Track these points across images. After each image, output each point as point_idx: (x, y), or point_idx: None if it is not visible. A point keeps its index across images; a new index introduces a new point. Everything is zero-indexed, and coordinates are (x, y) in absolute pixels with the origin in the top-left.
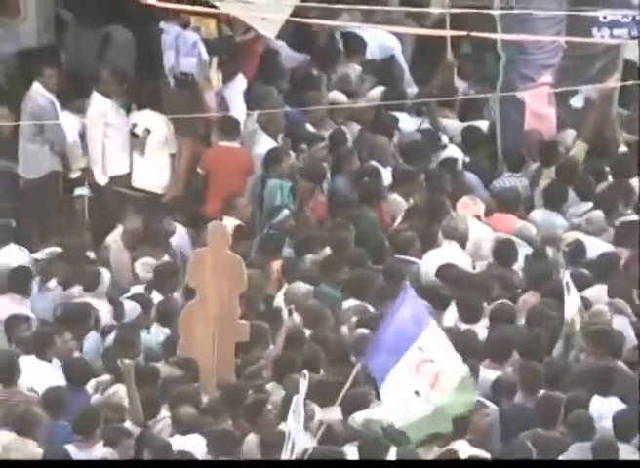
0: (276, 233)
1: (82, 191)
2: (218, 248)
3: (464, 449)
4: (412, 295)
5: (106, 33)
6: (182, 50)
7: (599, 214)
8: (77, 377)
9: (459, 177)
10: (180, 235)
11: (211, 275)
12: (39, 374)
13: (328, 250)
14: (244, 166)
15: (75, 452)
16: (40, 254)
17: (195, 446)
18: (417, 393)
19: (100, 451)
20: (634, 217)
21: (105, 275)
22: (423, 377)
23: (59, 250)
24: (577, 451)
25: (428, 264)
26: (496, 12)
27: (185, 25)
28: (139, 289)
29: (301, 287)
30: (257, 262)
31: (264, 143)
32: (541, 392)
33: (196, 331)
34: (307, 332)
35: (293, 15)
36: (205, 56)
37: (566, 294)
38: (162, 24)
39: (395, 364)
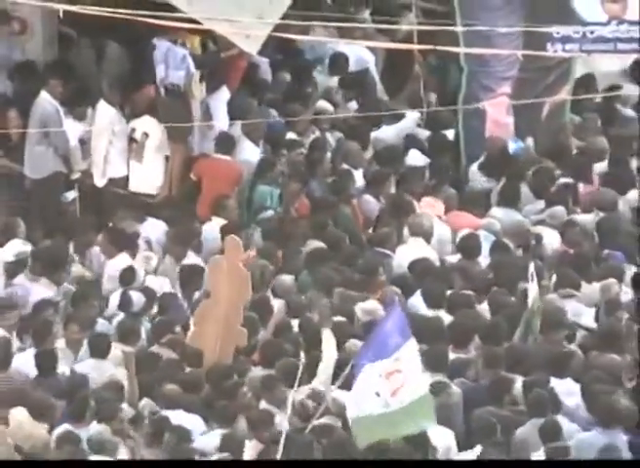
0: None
1: (72, 195)
2: (231, 258)
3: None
4: (399, 312)
5: (101, 47)
6: (172, 63)
7: (561, 209)
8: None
9: (424, 180)
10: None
11: (224, 281)
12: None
13: (314, 243)
14: (234, 176)
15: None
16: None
17: (190, 420)
18: (377, 394)
19: (95, 428)
20: (581, 217)
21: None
22: (389, 384)
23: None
24: (532, 428)
25: (400, 257)
26: (459, 28)
27: (175, 41)
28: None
29: (287, 279)
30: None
31: (247, 149)
32: (498, 373)
33: (206, 326)
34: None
35: (274, 31)
36: (192, 69)
37: (530, 284)
38: (154, 40)
39: (372, 364)
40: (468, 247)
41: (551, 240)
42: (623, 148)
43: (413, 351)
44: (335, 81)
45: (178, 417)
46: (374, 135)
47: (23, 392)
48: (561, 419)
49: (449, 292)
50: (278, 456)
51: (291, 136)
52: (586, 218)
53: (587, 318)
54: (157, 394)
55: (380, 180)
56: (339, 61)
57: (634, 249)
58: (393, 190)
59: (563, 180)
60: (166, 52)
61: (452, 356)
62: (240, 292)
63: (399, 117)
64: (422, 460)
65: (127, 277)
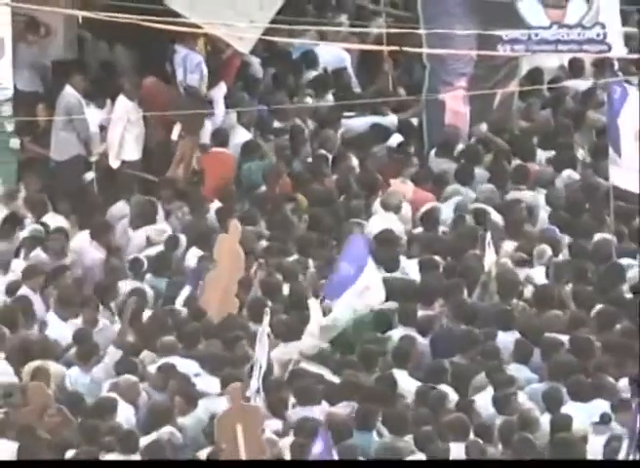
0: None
1: (90, 175)
2: (232, 238)
3: (403, 378)
4: (357, 241)
5: (113, 47)
6: (189, 67)
7: (510, 187)
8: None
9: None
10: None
11: (226, 255)
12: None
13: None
14: (230, 164)
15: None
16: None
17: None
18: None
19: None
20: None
21: None
22: (363, 299)
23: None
24: (483, 379)
25: (371, 227)
26: (422, 31)
27: (193, 48)
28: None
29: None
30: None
31: (240, 134)
32: (461, 327)
33: (212, 291)
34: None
35: (263, 34)
36: (205, 73)
37: (487, 251)
38: (175, 46)
39: (347, 289)
40: (429, 220)
41: (501, 214)
42: (565, 133)
43: (373, 270)
44: (314, 76)
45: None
46: (347, 122)
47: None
48: (512, 368)
49: (419, 258)
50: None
51: (277, 124)
52: (531, 195)
53: (538, 277)
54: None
55: (349, 163)
56: (316, 60)
57: (569, 221)
58: (360, 171)
59: (513, 162)
60: (184, 57)
61: (420, 312)
62: (237, 268)
63: (372, 107)
64: (423, 460)
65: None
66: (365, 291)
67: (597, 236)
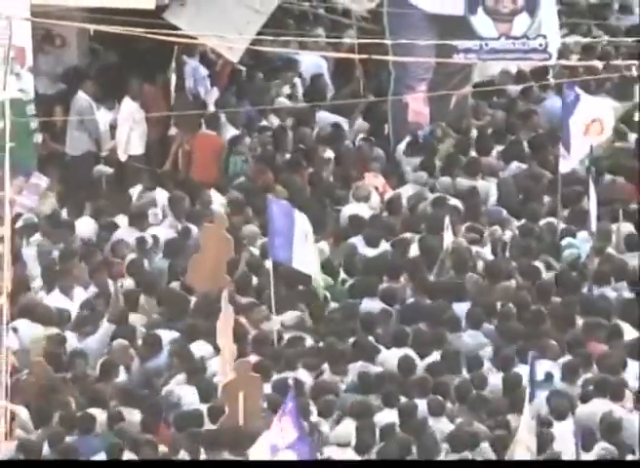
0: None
1: (102, 169)
2: (220, 226)
3: (373, 343)
4: (277, 204)
5: (119, 56)
6: (197, 79)
7: (465, 178)
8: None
9: (368, 156)
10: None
11: (214, 243)
12: None
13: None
14: (218, 147)
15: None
16: None
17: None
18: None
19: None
20: (480, 183)
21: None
22: (308, 247)
23: None
24: (450, 342)
25: (345, 213)
26: (388, 42)
27: (201, 62)
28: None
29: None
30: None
31: (230, 132)
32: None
33: (195, 272)
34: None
35: (251, 45)
36: (209, 85)
37: (445, 232)
38: (184, 58)
39: (291, 246)
40: (394, 206)
41: (458, 200)
42: (512, 130)
43: (303, 220)
44: (295, 81)
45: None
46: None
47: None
48: (467, 334)
49: (388, 238)
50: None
51: (262, 122)
52: (484, 183)
53: (487, 253)
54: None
55: (325, 157)
56: (296, 67)
57: (516, 204)
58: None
59: (470, 154)
60: (194, 68)
61: (385, 285)
62: (225, 251)
63: (346, 108)
64: (423, 460)
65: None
66: (307, 236)
67: (545, 219)
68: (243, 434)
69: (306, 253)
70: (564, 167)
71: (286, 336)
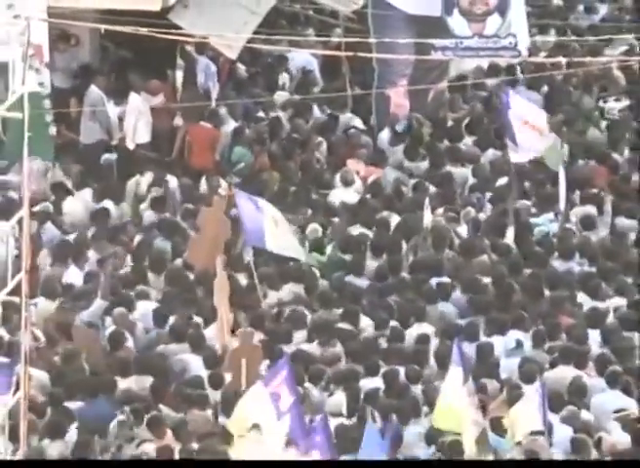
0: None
1: (109, 156)
2: (219, 208)
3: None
4: (243, 196)
5: (128, 54)
6: (208, 74)
7: (443, 164)
8: None
9: (356, 143)
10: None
11: (213, 225)
12: None
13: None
14: (215, 138)
15: None
16: None
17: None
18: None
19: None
20: (458, 169)
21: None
22: (280, 228)
23: None
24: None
25: (333, 197)
26: (372, 40)
27: (212, 59)
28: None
29: None
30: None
31: (230, 123)
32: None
33: (194, 251)
34: None
35: (248, 43)
36: (216, 81)
37: (425, 212)
38: (196, 55)
39: (263, 231)
40: (376, 189)
41: (435, 184)
42: (484, 120)
43: (270, 209)
44: (287, 76)
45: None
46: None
47: None
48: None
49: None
50: None
51: (259, 114)
52: (462, 170)
53: (464, 232)
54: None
55: (316, 145)
56: (288, 63)
57: (491, 188)
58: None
59: (446, 143)
60: (206, 65)
61: (370, 263)
62: (223, 232)
63: (335, 100)
64: (423, 460)
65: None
66: (277, 222)
67: (518, 202)
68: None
69: (278, 237)
70: (516, 158)
71: (282, 310)
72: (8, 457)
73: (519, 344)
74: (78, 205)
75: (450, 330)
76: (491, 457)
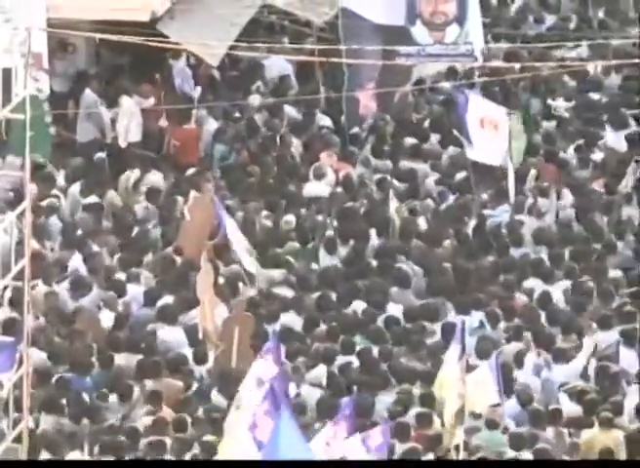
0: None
1: (100, 154)
2: (206, 198)
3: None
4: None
5: (123, 61)
6: (184, 78)
7: (406, 162)
8: None
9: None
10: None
11: (200, 211)
12: None
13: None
14: (196, 137)
15: None
16: None
17: None
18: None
19: None
20: (419, 165)
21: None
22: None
23: None
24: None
25: (307, 190)
26: (342, 48)
27: (188, 64)
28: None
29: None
30: None
31: (210, 123)
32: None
33: (186, 238)
34: None
35: (229, 50)
36: (192, 84)
37: (390, 204)
38: (171, 61)
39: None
40: (347, 183)
41: (397, 180)
42: (448, 121)
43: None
44: (264, 80)
45: None
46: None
47: None
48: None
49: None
50: None
51: (236, 114)
52: (422, 166)
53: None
54: None
55: (291, 142)
56: (264, 69)
57: (451, 182)
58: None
59: (409, 141)
60: (181, 70)
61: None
62: (208, 218)
63: (309, 102)
64: (423, 460)
65: None
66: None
67: (471, 194)
68: (235, 370)
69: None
70: (473, 155)
71: (266, 291)
72: (12, 430)
73: (482, 324)
74: (74, 198)
75: (414, 311)
76: (462, 432)
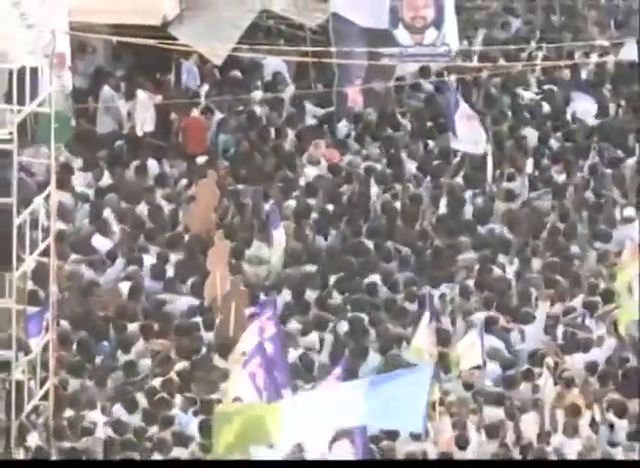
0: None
1: (119, 143)
2: (210, 181)
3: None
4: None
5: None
6: (191, 76)
7: (392, 152)
8: None
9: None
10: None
11: (204, 192)
12: None
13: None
14: (204, 126)
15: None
16: None
17: None
18: None
19: None
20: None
21: None
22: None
23: None
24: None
25: (305, 175)
26: (333, 49)
27: (195, 63)
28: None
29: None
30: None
31: (216, 115)
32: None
33: (194, 218)
34: None
35: (232, 51)
36: (198, 82)
37: (372, 189)
38: (181, 60)
39: None
40: (336, 171)
41: (382, 171)
42: (427, 114)
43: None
44: (263, 78)
45: None
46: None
47: None
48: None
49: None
50: None
51: (239, 108)
52: (402, 154)
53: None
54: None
55: (287, 133)
56: (263, 67)
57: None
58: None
59: (391, 132)
60: (189, 68)
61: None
62: (212, 200)
63: (303, 96)
64: (424, 460)
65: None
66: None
67: (453, 180)
68: (232, 339)
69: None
70: (456, 145)
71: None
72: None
73: (443, 297)
74: (94, 183)
75: (395, 282)
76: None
